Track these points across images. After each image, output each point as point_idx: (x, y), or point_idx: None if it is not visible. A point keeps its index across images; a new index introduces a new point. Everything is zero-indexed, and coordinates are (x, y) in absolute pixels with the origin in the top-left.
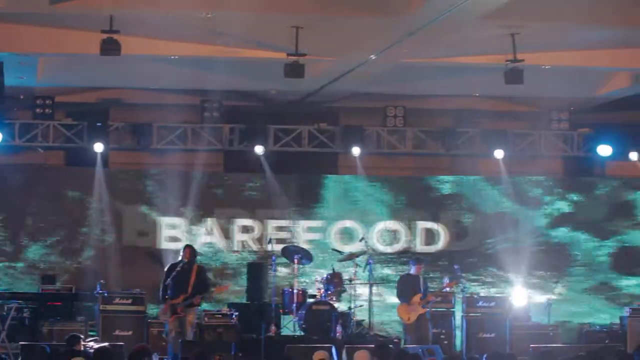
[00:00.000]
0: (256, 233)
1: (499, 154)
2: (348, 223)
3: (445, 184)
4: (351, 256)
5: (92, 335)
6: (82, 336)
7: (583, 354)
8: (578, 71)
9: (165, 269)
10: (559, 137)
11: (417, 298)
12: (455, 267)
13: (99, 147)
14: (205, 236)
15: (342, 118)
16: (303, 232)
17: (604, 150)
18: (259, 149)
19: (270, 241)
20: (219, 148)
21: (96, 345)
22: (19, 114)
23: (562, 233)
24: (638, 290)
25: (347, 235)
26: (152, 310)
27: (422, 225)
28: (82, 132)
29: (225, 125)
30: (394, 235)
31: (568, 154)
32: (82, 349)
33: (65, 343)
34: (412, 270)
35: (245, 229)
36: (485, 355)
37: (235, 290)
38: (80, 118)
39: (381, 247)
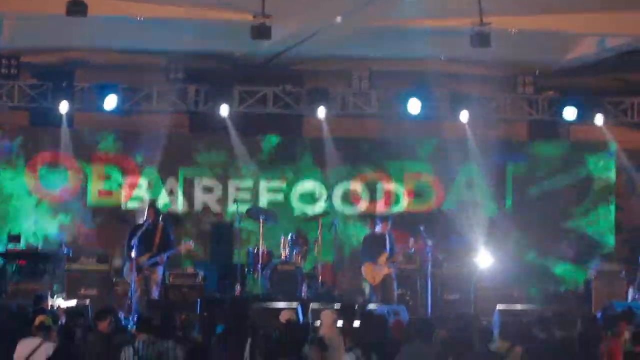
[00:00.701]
0: (219, 194)
1: (464, 116)
2: (311, 184)
3: (409, 145)
4: (315, 217)
5: (57, 294)
6: (48, 295)
7: (549, 315)
8: (545, 35)
9: (130, 229)
10: (524, 101)
11: (383, 258)
12: (420, 228)
13: (64, 108)
14: (169, 196)
15: (307, 80)
16: (267, 193)
17: (569, 113)
18: (224, 110)
19: (235, 202)
20: (184, 109)
21: (63, 304)
22: None
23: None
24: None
25: (310, 196)
26: (117, 269)
27: (384, 186)
28: (47, 93)
29: (190, 86)
30: (356, 196)
31: (533, 117)
32: (48, 307)
33: (32, 302)
34: (378, 228)
35: (209, 190)
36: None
37: (200, 251)
38: (45, 79)
39: (344, 209)
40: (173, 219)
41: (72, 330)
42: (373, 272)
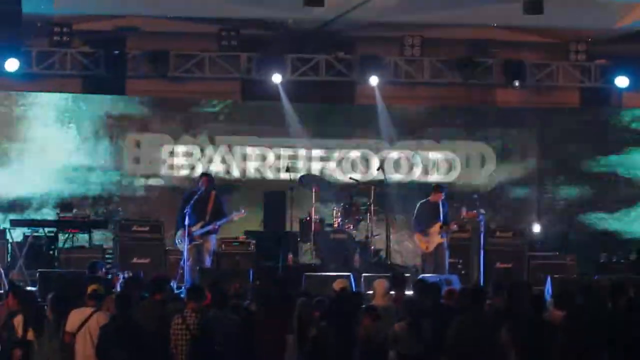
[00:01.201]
0: (272, 161)
1: (517, 84)
2: (365, 152)
3: (462, 114)
4: (368, 185)
5: (108, 263)
6: (102, 263)
7: (602, 284)
8: (597, 2)
9: (183, 197)
10: (577, 68)
11: (436, 227)
12: (475, 196)
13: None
14: (221, 164)
15: (359, 47)
16: (320, 160)
17: (622, 81)
18: (276, 78)
19: (288, 169)
20: (236, 77)
21: (118, 272)
22: (36, 41)
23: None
24: None
25: (363, 164)
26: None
27: (438, 155)
28: (99, 60)
29: (242, 53)
30: (410, 164)
31: (585, 85)
32: (103, 276)
33: (87, 270)
34: (431, 197)
35: (262, 157)
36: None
37: (252, 219)
38: (97, 46)
39: (398, 176)
40: (226, 187)
41: (129, 299)
42: (426, 241)
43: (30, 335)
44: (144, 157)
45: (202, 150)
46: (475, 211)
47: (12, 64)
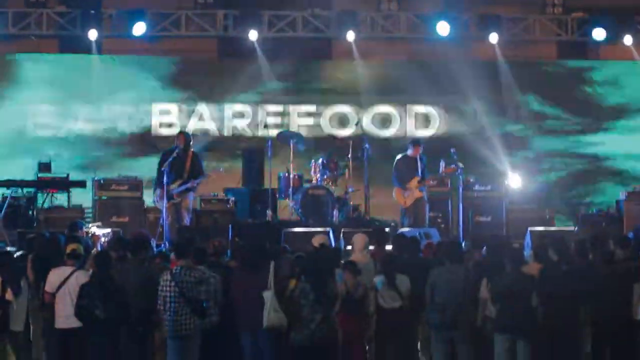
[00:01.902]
0: (250, 118)
1: (493, 38)
2: (342, 108)
3: (440, 66)
4: (346, 140)
5: (88, 222)
6: (82, 223)
7: (583, 237)
8: None
9: (161, 156)
10: (553, 22)
11: (414, 181)
12: (452, 150)
13: (93, 35)
14: (199, 122)
15: (336, 3)
16: (297, 117)
17: (598, 34)
18: (252, 35)
19: (265, 126)
20: (213, 34)
21: (98, 231)
22: (12, 2)
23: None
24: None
25: (341, 120)
26: (148, 196)
27: (416, 109)
28: (76, 20)
29: (218, 11)
30: (388, 119)
31: (562, 38)
32: (83, 235)
33: (67, 230)
34: (410, 152)
35: (239, 114)
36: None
37: (231, 176)
38: (73, 5)
39: (376, 131)
40: (205, 144)
41: (108, 257)
42: (404, 196)
43: (9, 295)
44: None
45: (179, 108)
46: (453, 166)
47: None
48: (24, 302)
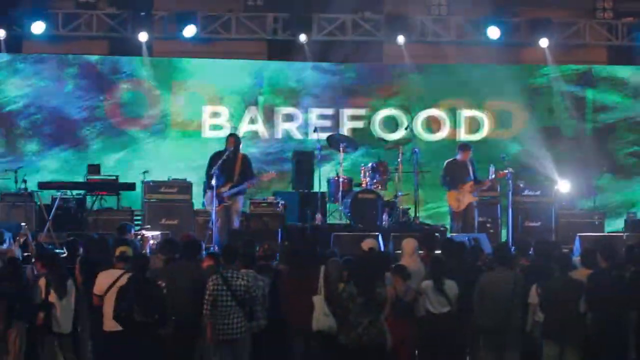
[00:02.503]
0: (300, 122)
1: (543, 42)
2: (392, 111)
3: (489, 71)
4: (396, 145)
5: (137, 225)
6: (132, 225)
7: (632, 244)
8: None
9: (210, 158)
10: (604, 26)
11: (468, 185)
12: (502, 155)
13: (143, 37)
14: (249, 125)
15: (386, 6)
16: (347, 120)
17: None
18: (302, 38)
19: (315, 130)
20: (263, 37)
21: (147, 234)
22: (62, 4)
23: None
24: None
25: (392, 123)
26: (198, 199)
27: (466, 112)
28: (126, 22)
29: (268, 14)
30: (437, 123)
31: (612, 43)
32: (132, 238)
33: (116, 232)
34: (459, 156)
35: (289, 118)
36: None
37: (281, 179)
38: (123, 7)
39: (425, 135)
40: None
41: (146, 261)
42: (457, 200)
43: (52, 297)
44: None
45: (230, 111)
46: (505, 171)
47: (38, 27)
48: (70, 304)
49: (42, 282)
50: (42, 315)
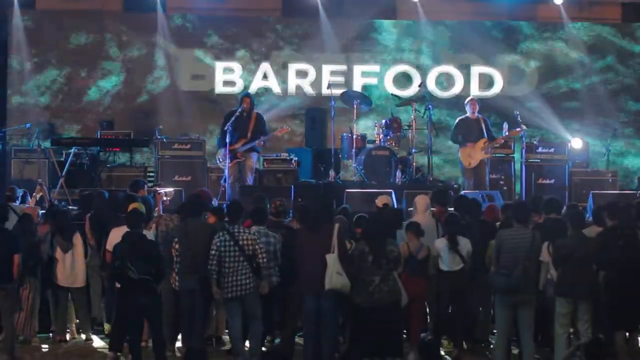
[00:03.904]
0: (312, 77)
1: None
2: (405, 67)
3: (504, 28)
4: (410, 101)
5: (150, 181)
6: (145, 181)
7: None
8: None
9: (225, 115)
10: None
11: (481, 142)
12: (515, 112)
13: None
14: (261, 80)
15: None
16: (361, 76)
17: None
18: None
19: (329, 86)
20: None
21: (160, 190)
22: None
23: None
24: None
25: (404, 79)
26: (211, 155)
27: (479, 69)
28: None
29: None
30: (451, 80)
31: (627, 0)
32: (145, 194)
33: (129, 188)
34: (469, 112)
35: (301, 73)
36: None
37: (295, 136)
38: None
39: (439, 92)
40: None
41: (140, 218)
42: (469, 156)
43: (58, 253)
44: (187, 73)
45: (242, 66)
46: (517, 129)
47: None
48: (77, 259)
49: (49, 237)
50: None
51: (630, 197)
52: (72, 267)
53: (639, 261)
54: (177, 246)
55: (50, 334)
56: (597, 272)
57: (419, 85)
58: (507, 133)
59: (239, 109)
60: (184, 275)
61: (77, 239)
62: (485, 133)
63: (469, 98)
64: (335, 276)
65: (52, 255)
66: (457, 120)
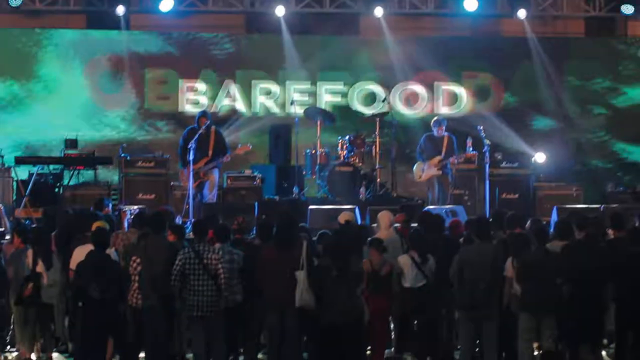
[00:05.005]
0: (277, 96)
1: (522, 14)
2: (370, 85)
3: (468, 44)
4: (374, 117)
5: (114, 199)
6: (110, 200)
7: (606, 213)
8: None
9: (183, 135)
10: None
11: (435, 160)
12: (479, 128)
13: (120, 10)
14: (227, 99)
15: None
16: (325, 94)
17: (627, 9)
18: (279, 10)
19: (292, 102)
20: (240, 10)
21: (125, 208)
22: None
23: None
24: None
25: (370, 97)
26: (175, 173)
27: (444, 86)
28: None
29: None
30: (415, 97)
31: (590, 14)
32: (109, 212)
33: (93, 207)
34: (435, 131)
35: (267, 92)
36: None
37: (259, 153)
38: None
39: (403, 109)
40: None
41: (106, 236)
42: (421, 170)
43: (40, 267)
44: (152, 93)
45: (207, 85)
46: (473, 152)
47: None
48: (55, 276)
49: (29, 253)
50: (30, 286)
51: (594, 212)
52: (49, 283)
53: (603, 274)
54: (134, 264)
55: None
56: (562, 286)
57: (383, 101)
58: (470, 149)
59: (198, 129)
60: (145, 293)
61: (55, 258)
62: (443, 152)
63: (435, 118)
64: (305, 293)
65: (34, 272)
66: (422, 137)
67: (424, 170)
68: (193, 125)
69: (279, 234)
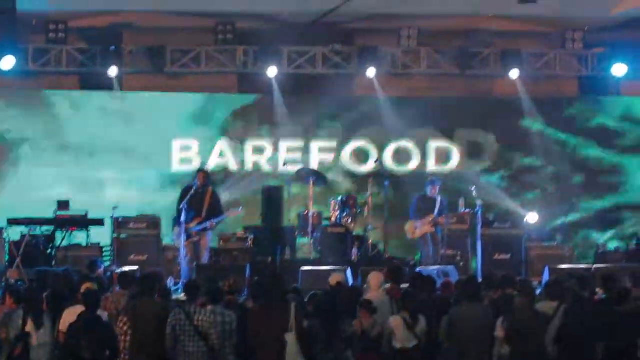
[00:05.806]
0: (270, 154)
1: (514, 74)
2: (362, 143)
3: (460, 104)
4: (366, 178)
5: (106, 260)
6: (102, 261)
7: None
8: None
9: (179, 193)
10: (574, 57)
11: (428, 218)
12: (471, 188)
13: (113, 71)
14: (217, 158)
15: (356, 39)
16: (318, 153)
17: (619, 69)
18: (271, 71)
19: (285, 163)
20: (233, 70)
21: (117, 270)
22: (32, 38)
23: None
24: None
25: (362, 156)
26: (167, 234)
27: (436, 144)
28: (96, 56)
29: (239, 47)
30: (408, 155)
31: (583, 74)
32: (101, 274)
33: (86, 268)
34: (428, 191)
35: (259, 151)
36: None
37: (251, 213)
38: (93, 42)
39: (396, 167)
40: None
41: (97, 297)
42: (414, 228)
43: (29, 327)
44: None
45: (200, 144)
46: (468, 210)
47: (8, 62)
48: (46, 337)
49: (19, 313)
50: (20, 346)
51: (586, 272)
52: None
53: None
54: (121, 324)
55: None
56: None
57: (375, 162)
58: (462, 208)
59: (194, 186)
60: (134, 354)
61: (46, 318)
62: (436, 211)
63: (429, 178)
64: (295, 356)
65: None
66: (415, 198)
67: (417, 228)
68: (190, 184)
69: (266, 296)
